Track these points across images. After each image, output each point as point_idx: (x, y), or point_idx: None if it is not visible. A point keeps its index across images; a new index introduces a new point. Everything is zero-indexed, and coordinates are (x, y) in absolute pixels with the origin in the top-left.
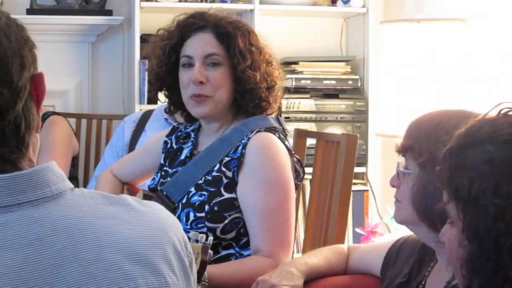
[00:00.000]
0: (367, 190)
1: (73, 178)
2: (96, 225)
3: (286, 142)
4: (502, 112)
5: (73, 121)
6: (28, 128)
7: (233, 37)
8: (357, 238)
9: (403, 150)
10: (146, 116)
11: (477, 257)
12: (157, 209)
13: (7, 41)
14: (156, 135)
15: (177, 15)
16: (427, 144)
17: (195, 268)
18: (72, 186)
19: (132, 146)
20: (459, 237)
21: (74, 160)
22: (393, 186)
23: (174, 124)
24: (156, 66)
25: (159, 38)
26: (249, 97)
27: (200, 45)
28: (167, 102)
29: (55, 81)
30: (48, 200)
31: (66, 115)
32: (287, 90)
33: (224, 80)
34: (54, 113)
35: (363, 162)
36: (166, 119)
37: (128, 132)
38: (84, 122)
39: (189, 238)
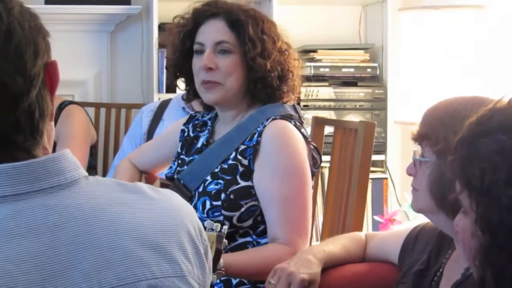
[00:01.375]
0: (386, 178)
1: (91, 167)
2: (111, 212)
3: (303, 130)
4: None
5: (92, 110)
6: (42, 115)
7: (244, 25)
8: (376, 226)
9: (419, 138)
10: (163, 105)
11: (490, 248)
12: (172, 197)
13: (21, 29)
14: (173, 124)
15: (194, 2)
16: (443, 131)
17: (210, 256)
18: (87, 174)
19: (150, 135)
20: (472, 228)
21: (93, 149)
22: (409, 174)
23: (192, 112)
24: (172, 52)
25: (174, 25)
26: (260, 85)
27: (211, 32)
28: (185, 89)
29: (74, 71)
30: (63, 187)
31: (85, 105)
32: (306, 79)
33: (235, 68)
34: (71, 102)
35: (382, 150)
36: (183, 108)
37: (146, 122)
38: (103, 111)
39: (204, 227)
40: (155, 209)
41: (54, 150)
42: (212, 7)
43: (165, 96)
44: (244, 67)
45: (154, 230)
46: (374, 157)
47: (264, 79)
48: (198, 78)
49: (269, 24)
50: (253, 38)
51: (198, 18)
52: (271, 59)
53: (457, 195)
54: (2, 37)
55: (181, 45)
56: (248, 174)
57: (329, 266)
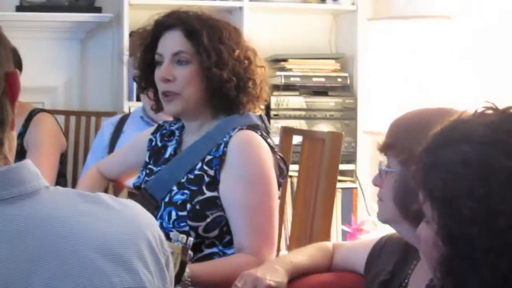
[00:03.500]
0: (356, 188)
1: (61, 175)
2: (71, 222)
3: (269, 140)
4: (478, 111)
5: (62, 118)
6: (2, 125)
7: (199, 34)
8: (345, 235)
9: (384, 148)
10: (124, 118)
11: (451, 259)
12: (132, 207)
13: None
14: (142, 132)
15: (154, 14)
16: (407, 141)
17: (172, 267)
18: (47, 184)
19: (111, 147)
20: (433, 238)
21: (62, 157)
22: (375, 185)
23: (150, 122)
24: (136, 65)
25: (137, 37)
26: (218, 95)
27: (169, 43)
28: (153, 100)
29: (44, 78)
30: (23, 198)
31: (55, 112)
32: (276, 88)
33: (192, 78)
34: (41, 110)
35: (352, 159)
36: (141, 117)
37: (107, 134)
38: (73, 119)
39: (170, 238)
40: (116, 220)
41: (24, 158)
42: (170, 18)
43: (135, 104)
44: (201, 77)
45: (114, 240)
46: (344, 167)
47: (220, 89)
48: (159, 89)
49: (228, 32)
50: (208, 47)
51: (158, 29)
52: (228, 69)
53: (420, 205)
54: None
55: (143, 57)
56: (214, 184)
57: (296, 276)
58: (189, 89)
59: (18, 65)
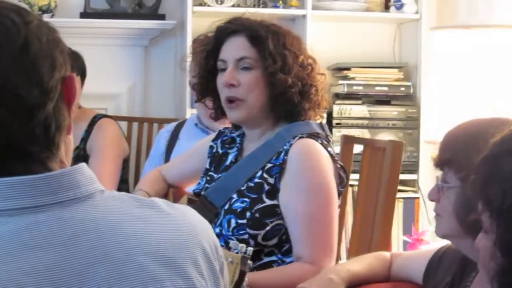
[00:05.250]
0: (418, 198)
1: (123, 181)
2: (126, 227)
3: (329, 148)
4: None
5: (124, 124)
6: (58, 128)
7: (264, 40)
8: (406, 245)
9: (440, 163)
10: (180, 125)
11: (509, 270)
12: (187, 213)
13: (38, 42)
14: (202, 139)
15: (216, 21)
16: (467, 156)
17: (226, 273)
18: (103, 188)
19: (168, 155)
20: (491, 249)
21: (125, 163)
22: (431, 200)
23: (205, 129)
24: (196, 72)
25: (198, 44)
26: (281, 101)
27: (232, 48)
28: (212, 107)
29: (108, 84)
30: (78, 201)
31: (117, 118)
32: (339, 96)
33: (256, 83)
34: (105, 116)
35: (414, 169)
36: (196, 124)
37: (163, 142)
38: (135, 125)
39: (229, 247)
40: (170, 225)
41: (87, 163)
42: (233, 24)
43: None
44: (265, 83)
45: (168, 246)
46: (406, 176)
47: (284, 94)
48: (222, 95)
49: (291, 38)
50: (274, 53)
51: (220, 36)
52: (292, 74)
53: (478, 215)
54: (19, 50)
55: (205, 64)
56: (273, 192)
57: (353, 285)
58: (253, 95)
59: (82, 71)
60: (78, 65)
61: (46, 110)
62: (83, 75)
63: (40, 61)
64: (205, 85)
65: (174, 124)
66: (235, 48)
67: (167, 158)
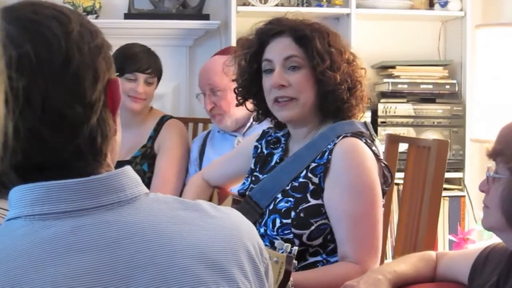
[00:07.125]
0: (463, 196)
1: None
2: (170, 229)
3: (374, 147)
4: None
5: None
6: (105, 138)
7: (311, 39)
8: (452, 245)
9: (493, 154)
10: (209, 133)
11: None
12: (232, 215)
13: (79, 54)
14: (246, 139)
15: (256, 23)
16: None
17: (271, 275)
18: (147, 190)
19: (201, 160)
20: None
21: None
22: (482, 191)
23: (224, 134)
24: (239, 75)
25: (239, 47)
26: (330, 99)
27: (279, 48)
28: (254, 110)
29: None
30: (123, 204)
31: None
32: (384, 95)
33: (306, 82)
34: (172, 117)
35: (460, 167)
36: (218, 131)
37: (196, 148)
38: None
39: (275, 247)
40: (215, 228)
41: (153, 161)
42: (275, 25)
43: None
44: (314, 81)
45: (213, 248)
46: (452, 175)
47: (334, 92)
48: (269, 97)
49: (334, 36)
50: (321, 51)
51: (262, 38)
52: (340, 71)
53: None
54: (60, 65)
55: (248, 67)
56: (318, 192)
57: (399, 285)
58: (304, 94)
59: (160, 73)
60: (156, 67)
61: (91, 125)
62: (158, 77)
63: (82, 75)
64: (249, 88)
65: (205, 132)
66: (282, 48)
67: (200, 162)
